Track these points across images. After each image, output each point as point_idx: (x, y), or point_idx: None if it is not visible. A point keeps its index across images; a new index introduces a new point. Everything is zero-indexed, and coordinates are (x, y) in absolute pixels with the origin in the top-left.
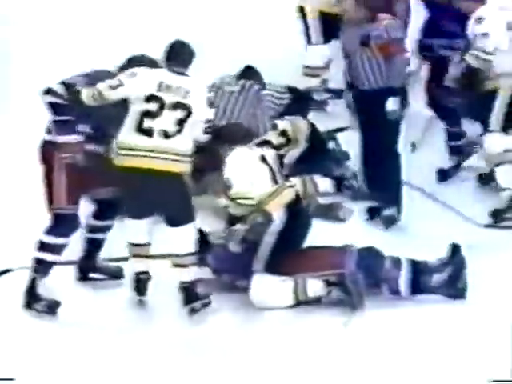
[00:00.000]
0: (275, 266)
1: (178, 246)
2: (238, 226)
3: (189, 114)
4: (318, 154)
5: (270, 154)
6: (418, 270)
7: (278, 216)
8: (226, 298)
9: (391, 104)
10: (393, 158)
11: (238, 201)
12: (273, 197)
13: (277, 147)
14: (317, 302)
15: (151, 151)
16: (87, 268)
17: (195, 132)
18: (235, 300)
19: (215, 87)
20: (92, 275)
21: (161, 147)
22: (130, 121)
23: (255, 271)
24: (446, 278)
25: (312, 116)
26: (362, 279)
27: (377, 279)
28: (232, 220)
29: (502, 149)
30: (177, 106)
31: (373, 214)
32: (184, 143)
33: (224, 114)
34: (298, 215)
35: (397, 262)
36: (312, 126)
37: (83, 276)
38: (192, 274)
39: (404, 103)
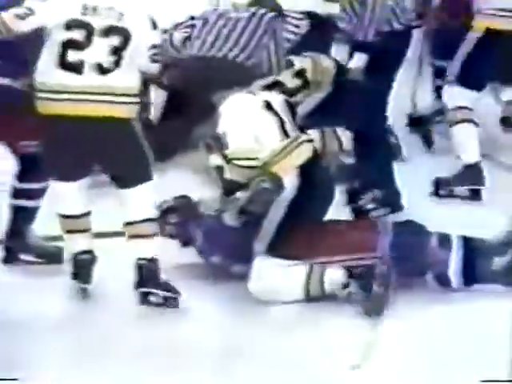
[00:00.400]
0: (283, 246)
1: (131, 210)
2: (237, 194)
3: (126, 39)
4: (343, 100)
5: (277, 99)
6: (474, 250)
7: (290, 180)
8: (217, 287)
9: (355, 61)
10: (381, 124)
11: (237, 162)
12: (283, 155)
13: (290, 92)
14: (332, 297)
15: (83, 92)
16: (15, 247)
17: (139, 62)
18: (229, 290)
19: (215, 14)
20: (22, 257)
21: (95, 86)
22: (49, 54)
23: (256, 253)
24: (510, 262)
25: (335, 50)
26: (391, 273)
27: (419, 264)
28: (228, 187)
29: (454, 104)
30: (110, 30)
31: (353, 196)
32: (126, 78)
33: (225, 43)
34: (316, 180)
35: (445, 239)
36: (338, 65)
37: (11, 257)
38: (153, 247)
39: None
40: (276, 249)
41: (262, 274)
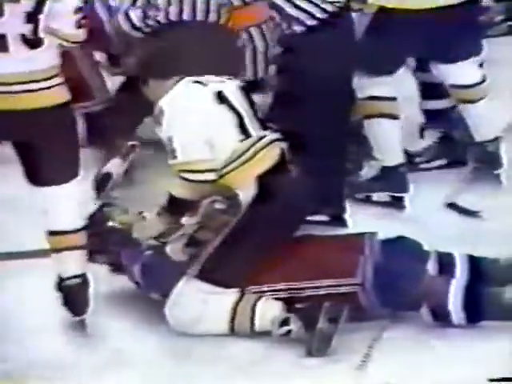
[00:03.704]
0: (219, 268)
1: (57, 216)
2: (185, 221)
3: (40, 2)
4: None
5: (231, 87)
6: (481, 276)
7: (245, 193)
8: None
9: None
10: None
11: (187, 175)
12: (242, 161)
13: None
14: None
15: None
16: None
17: (61, 30)
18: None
19: None
20: None
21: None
22: None
23: (187, 275)
24: None
25: None
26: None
27: (412, 294)
28: (175, 206)
29: (366, 94)
30: None
31: None
32: (47, 55)
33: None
34: (278, 192)
35: (446, 262)
36: None
37: None
38: (83, 262)
39: None
40: (209, 272)
41: (181, 300)
